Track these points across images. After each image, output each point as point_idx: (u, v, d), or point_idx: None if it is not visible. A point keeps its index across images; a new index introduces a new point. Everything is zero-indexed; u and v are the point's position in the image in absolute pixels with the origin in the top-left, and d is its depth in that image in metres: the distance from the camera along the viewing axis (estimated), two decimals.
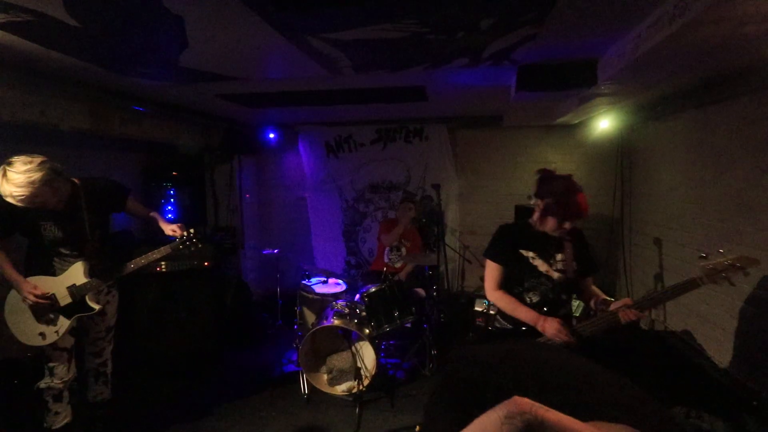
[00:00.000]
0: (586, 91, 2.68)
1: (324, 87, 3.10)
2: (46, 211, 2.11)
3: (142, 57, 2.29)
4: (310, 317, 3.53)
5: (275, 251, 4.06)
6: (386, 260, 3.94)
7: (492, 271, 2.02)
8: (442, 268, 3.71)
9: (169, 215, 4.28)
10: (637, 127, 3.98)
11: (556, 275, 1.94)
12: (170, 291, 3.48)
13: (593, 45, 2.20)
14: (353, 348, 3.00)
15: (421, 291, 3.75)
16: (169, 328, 3.45)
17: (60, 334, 2.17)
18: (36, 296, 2.09)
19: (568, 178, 1.93)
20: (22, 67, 2.35)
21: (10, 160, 1.90)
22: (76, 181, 2.22)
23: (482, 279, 2.13)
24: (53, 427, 2.25)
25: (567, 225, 1.88)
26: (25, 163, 1.89)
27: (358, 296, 3.39)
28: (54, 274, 2.20)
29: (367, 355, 3.09)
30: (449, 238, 4.65)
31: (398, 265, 3.90)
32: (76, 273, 2.20)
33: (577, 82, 2.48)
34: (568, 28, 1.95)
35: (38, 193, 1.93)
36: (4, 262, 2.12)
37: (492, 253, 2.03)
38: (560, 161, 4.58)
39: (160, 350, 3.44)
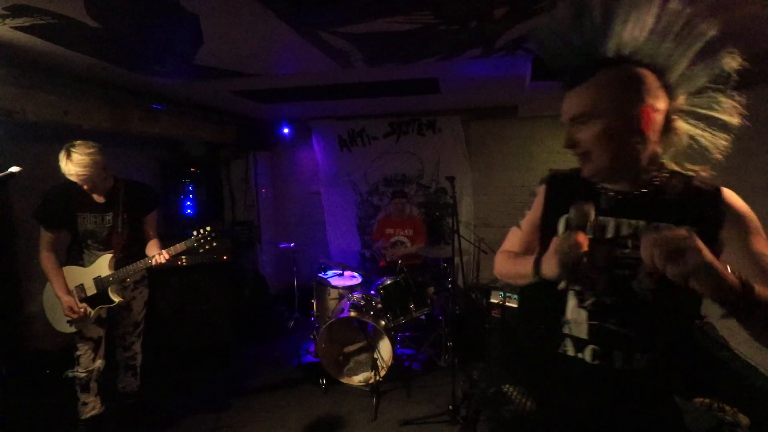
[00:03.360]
0: None
1: (336, 81, 3.10)
2: (85, 203, 2.24)
3: (158, 55, 2.34)
4: (327, 309, 3.58)
5: (291, 245, 4.11)
6: (388, 259, 3.98)
7: None
8: (456, 260, 3.70)
9: (188, 210, 4.37)
10: None
11: None
12: (190, 284, 3.57)
13: None
14: (369, 339, 3.03)
15: (430, 289, 3.75)
16: (189, 320, 3.55)
17: (85, 323, 2.27)
18: (73, 312, 2.19)
19: None
20: (45, 68, 2.43)
21: (73, 143, 2.09)
22: (117, 177, 2.35)
23: None
24: (81, 417, 2.33)
25: None
26: (89, 147, 2.11)
27: (373, 289, 3.42)
28: (83, 265, 2.30)
29: (383, 346, 3.13)
30: (464, 231, 4.62)
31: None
32: (102, 265, 2.29)
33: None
34: None
35: (98, 174, 2.14)
36: (54, 272, 2.22)
37: None
38: None
39: (180, 342, 3.54)
